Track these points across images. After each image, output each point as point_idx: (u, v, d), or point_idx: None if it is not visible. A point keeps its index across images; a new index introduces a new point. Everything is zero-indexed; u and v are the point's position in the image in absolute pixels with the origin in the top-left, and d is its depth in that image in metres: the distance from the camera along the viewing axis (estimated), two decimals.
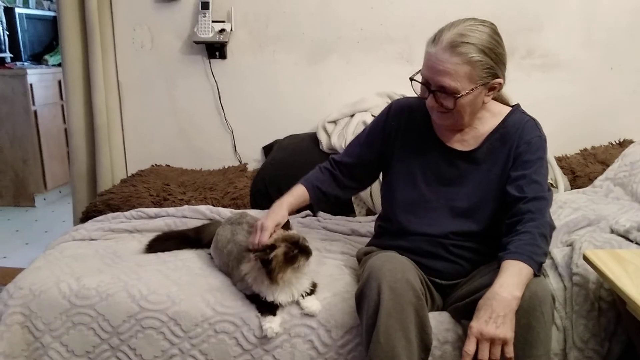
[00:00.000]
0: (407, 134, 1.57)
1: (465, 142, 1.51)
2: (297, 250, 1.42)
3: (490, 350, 1.19)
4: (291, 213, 1.57)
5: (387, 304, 1.26)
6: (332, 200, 1.68)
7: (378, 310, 1.27)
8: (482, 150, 1.49)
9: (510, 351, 1.19)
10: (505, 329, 1.18)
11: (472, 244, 1.48)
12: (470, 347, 1.20)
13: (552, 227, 1.39)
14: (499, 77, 1.40)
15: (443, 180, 1.51)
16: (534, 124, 1.49)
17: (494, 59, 1.37)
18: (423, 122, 1.56)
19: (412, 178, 1.54)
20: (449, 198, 1.50)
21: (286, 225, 1.50)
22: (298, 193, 1.61)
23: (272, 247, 1.42)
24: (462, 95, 1.36)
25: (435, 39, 1.38)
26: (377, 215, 1.72)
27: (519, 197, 1.39)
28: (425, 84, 1.41)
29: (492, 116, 1.51)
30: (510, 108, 1.53)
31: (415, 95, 1.64)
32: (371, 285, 1.31)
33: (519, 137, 1.46)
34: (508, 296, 1.21)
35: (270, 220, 1.48)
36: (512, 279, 1.24)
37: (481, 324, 1.20)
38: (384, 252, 1.48)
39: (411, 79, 1.45)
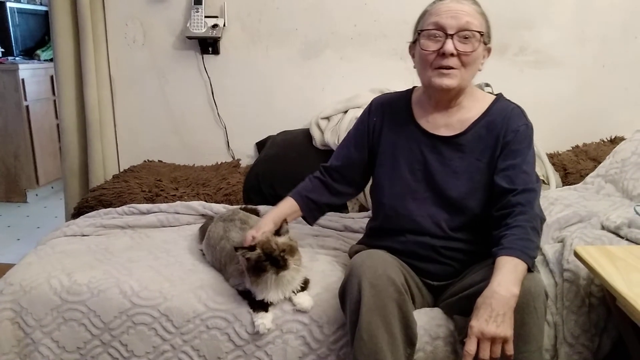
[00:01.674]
0: (390, 128, 1.57)
1: (450, 126, 1.50)
2: (268, 262, 1.40)
3: (491, 348, 1.18)
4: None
5: (368, 300, 1.27)
6: (324, 208, 1.67)
7: (359, 307, 1.27)
8: (467, 136, 1.48)
9: (510, 349, 1.19)
10: (505, 327, 1.18)
11: (463, 244, 1.47)
12: (471, 346, 1.19)
13: (542, 219, 1.39)
14: (490, 43, 1.46)
15: (429, 170, 1.50)
16: (520, 112, 1.49)
17: (489, 22, 1.45)
18: (404, 114, 1.56)
19: (397, 170, 1.54)
20: (436, 187, 1.49)
21: (280, 228, 1.47)
22: (286, 205, 1.61)
23: (252, 248, 1.42)
24: (483, 35, 1.41)
25: None
26: (369, 216, 1.71)
27: (508, 188, 1.38)
28: (441, 30, 1.40)
29: (477, 101, 1.51)
30: (494, 96, 1.54)
31: (394, 91, 1.65)
32: (352, 282, 1.31)
33: (507, 125, 1.45)
34: (506, 294, 1.20)
35: (255, 230, 1.50)
36: (509, 276, 1.23)
37: (482, 323, 1.19)
38: (369, 250, 1.48)
39: (421, 31, 1.44)
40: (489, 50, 1.48)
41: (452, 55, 1.39)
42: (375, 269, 1.31)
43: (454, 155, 1.49)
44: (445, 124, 1.51)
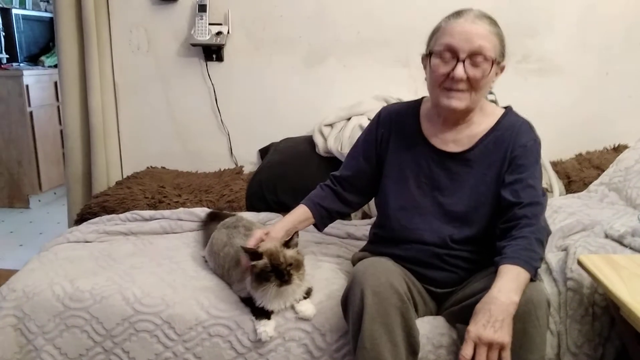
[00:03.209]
0: (397, 140, 1.56)
1: (459, 141, 1.50)
2: (273, 274, 1.39)
3: (487, 355, 1.18)
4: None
5: (371, 309, 1.26)
6: (335, 216, 1.68)
7: (362, 315, 1.27)
8: (475, 152, 1.48)
9: (507, 356, 1.18)
10: (503, 334, 1.18)
11: (468, 254, 1.47)
12: (467, 351, 1.19)
13: (548, 232, 1.40)
14: (504, 59, 1.43)
15: (436, 184, 1.50)
16: (529, 127, 1.48)
17: (504, 39, 1.42)
18: (413, 126, 1.55)
19: (404, 183, 1.53)
20: (443, 202, 1.49)
21: (290, 240, 1.47)
22: (299, 212, 1.61)
23: (259, 255, 1.42)
24: (495, 61, 1.37)
25: (457, 14, 1.39)
26: (372, 222, 1.71)
27: (514, 202, 1.38)
28: (453, 52, 1.37)
29: (486, 116, 1.50)
30: (503, 110, 1.53)
31: (404, 101, 1.64)
32: (354, 291, 1.31)
33: (514, 140, 1.45)
34: (506, 300, 1.20)
35: (263, 231, 1.51)
36: (510, 284, 1.23)
37: (479, 328, 1.19)
38: (372, 258, 1.48)
39: (431, 52, 1.42)
40: (502, 69, 1.44)
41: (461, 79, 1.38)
42: (378, 277, 1.31)
43: (462, 170, 1.49)
44: (453, 140, 1.50)
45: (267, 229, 1.54)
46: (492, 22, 1.40)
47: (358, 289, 1.30)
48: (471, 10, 1.40)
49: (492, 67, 1.38)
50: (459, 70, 1.37)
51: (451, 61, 1.38)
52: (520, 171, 1.42)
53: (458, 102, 1.41)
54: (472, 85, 1.39)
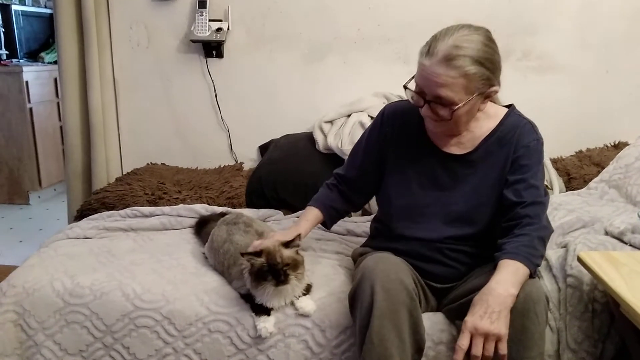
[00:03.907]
0: (401, 139, 1.56)
1: (462, 145, 1.50)
2: (269, 274, 1.40)
3: (483, 345, 1.19)
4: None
5: (381, 305, 1.26)
6: (343, 215, 1.70)
7: (371, 311, 1.27)
8: (479, 153, 1.48)
9: (503, 348, 1.19)
10: (499, 325, 1.18)
11: (469, 248, 1.47)
12: (463, 341, 1.19)
13: (550, 231, 1.40)
14: (494, 85, 1.37)
15: (439, 185, 1.50)
16: (531, 127, 1.48)
17: (489, 68, 1.33)
18: (417, 126, 1.54)
19: (407, 183, 1.53)
20: (445, 203, 1.49)
21: (291, 241, 1.46)
22: (313, 216, 1.62)
23: (258, 254, 1.42)
24: (458, 107, 1.34)
25: (429, 51, 1.32)
26: (373, 216, 1.72)
27: (516, 201, 1.38)
28: (420, 93, 1.37)
29: (488, 118, 1.49)
30: (506, 109, 1.52)
31: (407, 100, 1.64)
32: (364, 286, 1.31)
33: (517, 140, 1.45)
34: (504, 292, 1.21)
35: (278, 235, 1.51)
36: (508, 277, 1.25)
37: (476, 319, 1.20)
38: (378, 253, 1.47)
39: (405, 87, 1.42)
40: (493, 92, 1.38)
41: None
42: (388, 274, 1.31)
43: (464, 171, 1.49)
44: (456, 143, 1.50)
45: (280, 236, 1.52)
46: (462, 61, 1.30)
47: (368, 285, 1.30)
48: (442, 46, 1.30)
49: (458, 108, 1.34)
50: (424, 110, 1.39)
51: (421, 98, 1.38)
52: (523, 171, 1.42)
53: (439, 128, 1.44)
54: (445, 119, 1.37)
